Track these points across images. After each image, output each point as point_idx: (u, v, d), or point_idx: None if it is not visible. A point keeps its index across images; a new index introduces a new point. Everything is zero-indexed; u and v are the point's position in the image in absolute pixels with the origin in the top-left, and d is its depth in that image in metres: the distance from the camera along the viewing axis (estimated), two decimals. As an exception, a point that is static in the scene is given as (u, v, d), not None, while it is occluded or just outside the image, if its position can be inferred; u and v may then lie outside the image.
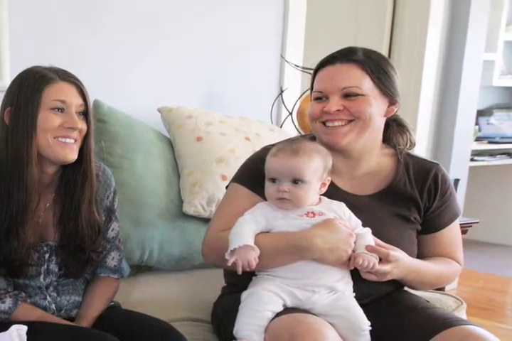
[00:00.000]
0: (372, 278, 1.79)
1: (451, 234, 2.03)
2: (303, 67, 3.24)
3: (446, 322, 1.78)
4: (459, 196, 3.83)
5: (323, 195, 1.85)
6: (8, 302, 1.79)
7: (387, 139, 2.02)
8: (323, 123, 1.89)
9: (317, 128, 1.92)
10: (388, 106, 1.92)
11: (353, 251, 1.78)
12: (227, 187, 2.04)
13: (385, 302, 1.93)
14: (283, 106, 3.32)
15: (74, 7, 2.66)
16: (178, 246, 2.41)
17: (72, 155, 1.80)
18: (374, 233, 1.83)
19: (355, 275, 1.80)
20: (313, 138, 1.98)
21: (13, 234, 1.77)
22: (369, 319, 1.76)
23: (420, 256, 1.98)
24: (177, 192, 2.49)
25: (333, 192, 1.88)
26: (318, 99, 1.91)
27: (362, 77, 1.86)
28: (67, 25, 2.65)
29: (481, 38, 4.30)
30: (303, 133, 3.01)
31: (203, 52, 3.04)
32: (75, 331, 1.76)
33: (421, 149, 4.11)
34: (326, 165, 1.81)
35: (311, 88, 1.97)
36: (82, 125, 1.80)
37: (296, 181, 1.76)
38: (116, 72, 2.79)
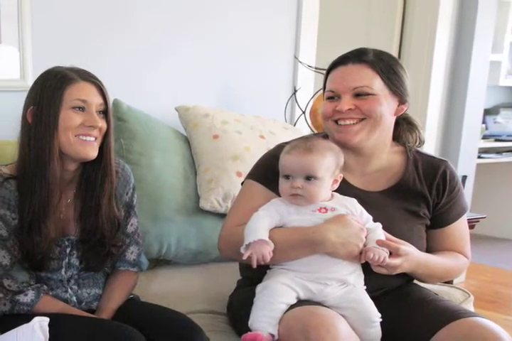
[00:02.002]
0: (383, 271, 1.81)
1: (459, 228, 2.05)
2: (316, 68, 3.23)
3: (455, 314, 1.81)
4: (467, 192, 3.84)
5: (335, 191, 1.87)
6: (31, 294, 1.81)
7: (397, 137, 2.04)
8: (336, 121, 1.90)
9: (329, 126, 1.94)
10: (398, 105, 1.94)
11: (365, 245, 1.80)
12: (242, 184, 2.06)
13: (395, 294, 1.95)
14: (296, 106, 3.32)
15: (95, 8, 2.68)
16: (195, 241, 2.42)
17: (93, 153, 1.84)
18: (384, 228, 1.85)
19: (367, 268, 1.83)
20: (325, 136, 2.00)
21: (36, 228, 1.80)
22: (380, 311, 1.78)
23: (429, 250, 1.99)
24: (194, 188, 2.50)
25: (344, 189, 1.90)
26: (330, 98, 1.93)
27: (373, 77, 1.88)
28: (88, 27, 2.67)
29: (488, 39, 4.30)
30: (316, 132, 3.00)
31: (219, 52, 3.06)
32: (95, 323, 1.79)
33: (430, 147, 4.11)
34: (338, 162, 1.83)
35: (324, 88, 1.99)
36: (102, 123, 1.84)
37: (309, 178, 1.79)
38: (135, 72, 2.81)
